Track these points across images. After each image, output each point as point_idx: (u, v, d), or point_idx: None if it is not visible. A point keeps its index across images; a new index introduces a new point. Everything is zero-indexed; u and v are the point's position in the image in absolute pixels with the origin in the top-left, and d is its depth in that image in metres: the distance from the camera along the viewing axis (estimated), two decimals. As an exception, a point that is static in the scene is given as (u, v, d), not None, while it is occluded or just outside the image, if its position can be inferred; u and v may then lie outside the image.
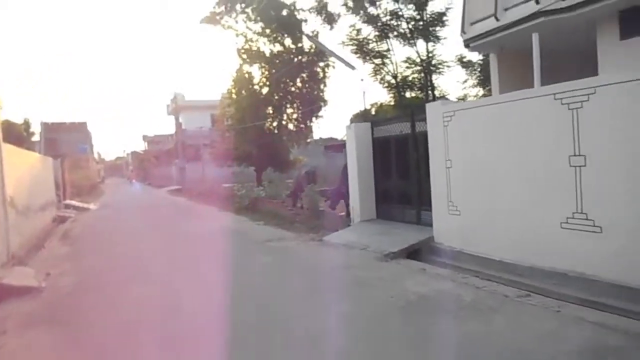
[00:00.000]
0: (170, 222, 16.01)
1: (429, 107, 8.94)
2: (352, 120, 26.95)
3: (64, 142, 39.30)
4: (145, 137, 68.46)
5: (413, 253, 8.77)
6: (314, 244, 10.36)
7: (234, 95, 26.79)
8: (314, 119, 27.66)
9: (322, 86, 26.90)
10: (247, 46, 25.99)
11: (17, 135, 23.89)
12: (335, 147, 31.82)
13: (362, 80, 15.73)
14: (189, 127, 43.01)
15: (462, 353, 4.25)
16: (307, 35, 21.78)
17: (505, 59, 13.47)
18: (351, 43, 24.18)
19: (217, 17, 25.43)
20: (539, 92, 6.79)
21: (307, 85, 26.66)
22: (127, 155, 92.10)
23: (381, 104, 29.06)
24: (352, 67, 17.50)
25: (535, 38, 10.15)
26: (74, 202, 24.40)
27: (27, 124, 29.90)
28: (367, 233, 10.40)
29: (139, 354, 4.61)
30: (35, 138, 35.21)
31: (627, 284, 5.55)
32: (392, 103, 25.29)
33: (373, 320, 5.28)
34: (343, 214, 13.36)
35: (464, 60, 24.18)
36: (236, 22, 25.87)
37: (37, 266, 9.10)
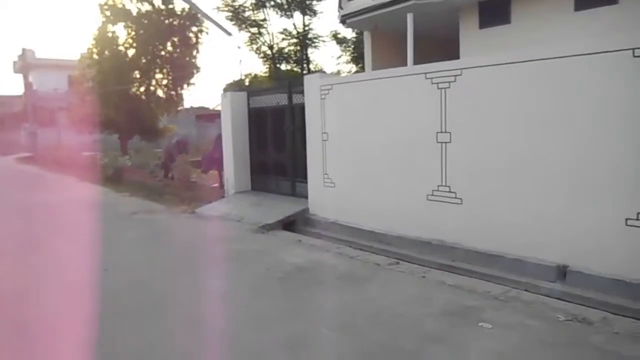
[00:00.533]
0: (20, 194, 14.23)
1: (307, 79, 8.93)
2: (225, 90, 26.26)
3: None
4: (-15, 98, 59.93)
5: (289, 224, 8.82)
6: (186, 216, 9.93)
7: (95, 56, 24.46)
8: (185, 86, 26.41)
9: (194, 52, 25.65)
10: (111, 2, 23.79)
11: None
12: (208, 116, 30.83)
13: (239, 47, 15.34)
14: (42, 88, 38.43)
15: (338, 320, 4.35)
16: None
17: (379, 37, 13.94)
18: (226, 9, 23.36)
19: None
20: (412, 71, 7.10)
21: (178, 50, 25.24)
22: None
23: (255, 75, 28.66)
24: (229, 33, 16.93)
25: (410, 18, 10.59)
26: None
27: None
28: (241, 205, 10.23)
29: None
30: None
31: (481, 250, 6.13)
32: (267, 74, 25.02)
33: (250, 294, 5.18)
34: (217, 185, 13.03)
35: (339, 36, 24.67)
36: (98, -26, 23.50)
37: None
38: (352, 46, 23.51)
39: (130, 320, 4.46)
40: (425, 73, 6.72)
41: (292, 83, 10.06)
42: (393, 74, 7.22)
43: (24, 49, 38.29)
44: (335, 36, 25.37)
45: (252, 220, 8.78)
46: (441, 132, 6.60)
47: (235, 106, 11.09)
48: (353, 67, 23.63)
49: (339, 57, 25.51)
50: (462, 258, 6.35)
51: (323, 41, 23.83)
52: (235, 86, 26.87)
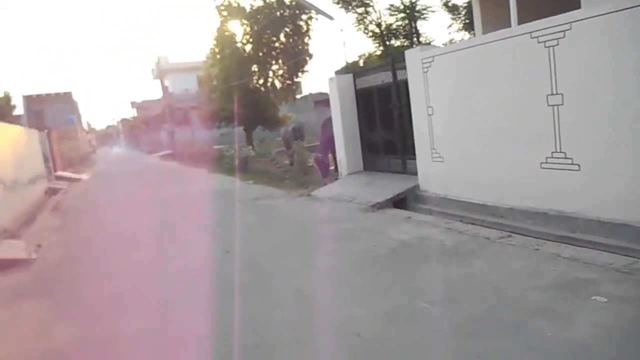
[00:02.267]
0: (160, 187, 15.99)
1: (408, 54, 8.79)
2: (338, 73, 26.61)
3: (49, 114, 38.73)
4: (133, 104, 67.37)
5: (399, 202, 8.83)
6: (302, 199, 10.42)
7: (217, 55, 26.28)
8: (300, 74, 27.26)
9: (306, 39, 26.34)
10: (226, 2, 25.28)
11: (-2, 109, 23.46)
12: (325, 101, 31.49)
13: (341, 30, 15.34)
14: (176, 91, 42.29)
15: (439, 294, 4.35)
16: None
17: (487, 1, 13.14)
18: (332, -8, 23.49)
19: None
20: (515, 32, 6.64)
21: (291, 40, 26.11)
22: (117, 124, 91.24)
23: (369, 55, 28.53)
24: (330, 17, 17.08)
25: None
26: (65, 174, 24.28)
27: (7, 98, 29.21)
28: (354, 185, 10.44)
29: (126, 322, 4.68)
30: (18, 111, 34.61)
31: (605, 219, 5.63)
32: (379, 53, 24.81)
33: (354, 270, 5.37)
34: (332, 168, 13.37)
35: (449, 4, 23.59)
36: (214, -23, 25.06)
37: (28, 239, 9.14)
38: (464, 13, 22.35)
39: (246, 295, 4.88)
40: (530, 32, 6.26)
41: (395, 60, 9.95)
42: (494, 38, 6.84)
43: (158, 57, 42.21)
44: (446, 4, 24.28)
45: (363, 200, 8.95)
46: (552, 94, 6.12)
47: (342, 89, 11.28)
48: (465, 35, 22.51)
49: (450, 26, 24.39)
50: (583, 229, 5.89)
51: (432, 11, 22.97)
52: (349, 68, 27.08)
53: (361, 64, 27.87)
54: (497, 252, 5.40)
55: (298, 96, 34.81)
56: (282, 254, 6.38)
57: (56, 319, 4.85)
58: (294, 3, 24.95)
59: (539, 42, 6.18)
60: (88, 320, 4.79)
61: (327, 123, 12.92)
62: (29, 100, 40.48)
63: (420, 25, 23.57)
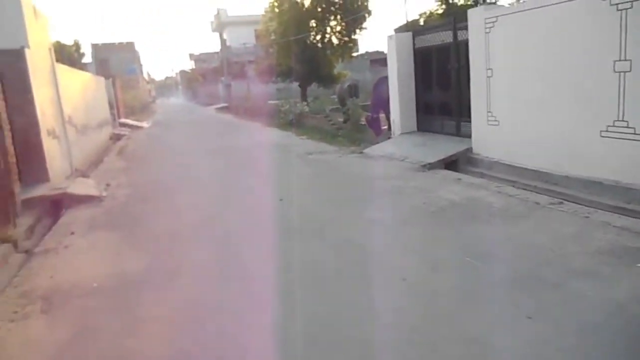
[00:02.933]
0: (216, 137, 16.57)
1: (471, 13, 8.61)
2: (398, 32, 25.99)
3: (114, 62, 40.22)
4: (192, 56, 68.55)
5: (451, 164, 8.87)
6: (355, 156, 10.60)
7: (276, 9, 26.27)
8: (357, 31, 26.88)
9: (367, -5, 25.82)
10: (287, -45, 25.01)
11: (68, 56, 24.58)
12: (382, 60, 30.97)
13: None
14: (234, 44, 42.70)
15: (483, 250, 4.51)
16: None
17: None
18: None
19: None
20: (584, -7, 6.40)
21: (351, -5, 25.65)
22: (176, 75, 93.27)
23: (431, 13, 27.61)
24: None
25: None
26: (128, 121, 25.43)
27: (77, 46, 30.56)
28: (406, 145, 10.51)
29: (189, 252, 5.14)
30: (86, 59, 36.14)
31: (662, 191, 5.53)
32: (440, 12, 23.96)
33: (402, 224, 5.59)
34: (385, 127, 13.41)
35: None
36: None
37: (98, 178, 9.87)
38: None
39: (298, 240, 5.21)
40: (603, -6, 6.02)
41: (456, 19, 9.75)
42: (561, 0, 6.60)
43: (218, 9, 42.54)
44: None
45: (414, 160, 9.05)
46: (619, 60, 5.93)
47: (400, 48, 11.18)
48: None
49: (520, -18, 23.07)
50: (637, 199, 5.81)
51: (502, -32, 21.78)
52: (409, 27, 26.41)
53: (421, 23, 27.10)
54: (545, 217, 5.44)
55: (355, 54, 34.41)
56: (333, 205, 6.65)
57: (126, 249, 5.38)
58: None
59: (611, 4, 5.95)
60: (154, 250, 5.29)
61: (380, 83, 12.95)
62: (96, 48, 42.11)
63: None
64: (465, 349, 2.95)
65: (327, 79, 27.00)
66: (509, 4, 22.02)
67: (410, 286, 3.85)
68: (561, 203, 5.99)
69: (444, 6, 23.33)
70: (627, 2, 5.76)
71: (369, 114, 13.49)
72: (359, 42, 33.26)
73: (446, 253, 4.53)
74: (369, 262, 4.46)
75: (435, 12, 25.72)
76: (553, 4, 6.80)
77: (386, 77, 12.21)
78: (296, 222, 5.87)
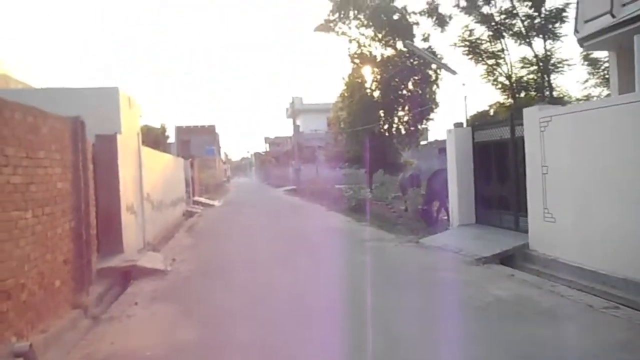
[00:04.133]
0: (282, 219, 17.25)
1: (526, 112, 8.87)
2: (468, 123, 26.46)
3: (194, 143, 43.40)
4: (266, 139, 72.58)
5: (506, 259, 8.76)
6: (410, 245, 10.71)
7: (346, 99, 27.78)
8: (424, 121, 27.68)
9: (433, 88, 26.82)
10: (359, 51, 26.79)
11: (154, 138, 27.06)
12: (449, 149, 31.36)
13: (464, 84, 15.53)
14: (306, 130, 45.04)
15: (516, 350, 4.46)
16: (406, 43, 21.85)
17: (626, 56, 12.56)
18: (463, 44, 23.81)
19: (331, 25, 26.54)
20: (636, 98, 6.53)
21: (418, 88, 26.76)
22: (250, 156, 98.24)
23: (501, 104, 28.07)
24: (454, 72, 17.36)
25: (638, 39, 9.40)
26: (201, 199, 27.03)
27: (163, 128, 33.67)
28: (463, 237, 10.50)
29: (235, 327, 5.46)
30: (171, 140, 39.40)
31: None
32: (507, 104, 24.36)
33: (443, 317, 5.62)
34: (445, 218, 13.48)
35: (590, 57, 22.51)
36: (349, 28, 26.84)
37: (166, 253, 10.60)
38: (602, 68, 21.17)
39: (347, 323, 5.39)
40: (651, 100, 6.15)
41: (514, 116, 10.03)
42: (613, 103, 6.80)
43: (293, 98, 45.37)
44: (586, 57, 23.20)
45: (469, 253, 9.03)
46: (673, 164, 5.91)
47: (459, 141, 11.52)
48: (603, 91, 21.24)
49: (586, 81, 23.16)
50: (702, 309, 5.50)
51: (568, 65, 22.09)
52: (477, 118, 26.90)
53: (491, 113, 27.48)
54: (595, 321, 5.29)
55: (423, 142, 35.06)
56: (381, 294, 6.77)
57: (182, 321, 5.78)
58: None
59: (660, 110, 6.05)
60: (208, 324, 5.66)
61: (435, 175, 13.48)
62: (179, 130, 45.81)
63: (555, 78, 22.74)
64: None
65: (393, 166, 27.54)
66: (577, 99, 22.10)
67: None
68: (617, 308, 5.78)
69: (510, 99, 23.73)
70: (677, 108, 5.84)
71: (422, 205, 13.80)
72: (428, 131, 33.98)
73: (480, 350, 4.52)
74: (403, 349, 4.53)
75: (503, 104, 26.13)
76: (603, 107, 6.97)
77: (441, 170, 12.57)
78: (343, 307, 6.06)
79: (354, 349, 4.68)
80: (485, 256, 8.64)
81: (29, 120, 5.33)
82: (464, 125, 13.13)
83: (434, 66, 26.02)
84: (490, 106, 29.06)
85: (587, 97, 21.62)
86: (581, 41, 12.52)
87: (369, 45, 26.52)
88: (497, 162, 10.62)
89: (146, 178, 11.74)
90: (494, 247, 9.04)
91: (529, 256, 8.61)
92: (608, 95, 20.66)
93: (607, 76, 21.34)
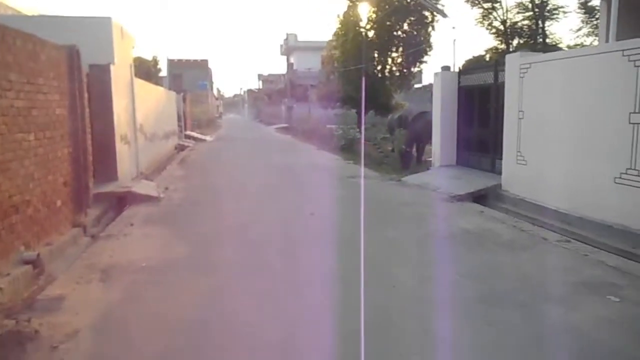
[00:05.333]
0: (271, 156, 17.67)
1: (508, 57, 9.18)
2: (463, 67, 26.40)
3: (186, 77, 42.96)
4: (260, 76, 71.72)
5: (480, 198, 9.35)
6: (392, 183, 11.26)
7: (340, 38, 27.49)
8: (418, 64, 27.63)
9: (429, 30, 26.56)
10: (356, -14, 26.26)
11: (146, 70, 26.87)
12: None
13: (453, 28, 15.51)
14: (300, 68, 44.56)
15: (472, 271, 5.08)
16: None
17: (623, 5, 12.65)
18: (461, -14, 23.44)
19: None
20: (608, 48, 6.87)
21: (413, 30, 26.50)
22: (243, 93, 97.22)
23: (497, 50, 27.99)
24: (445, 15, 17.32)
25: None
26: (193, 134, 27.26)
27: (155, 61, 33.29)
28: (442, 176, 11.04)
29: (227, 248, 6.03)
30: (162, 74, 39.00)
31: (664, 238, 5.85)
32: (501, 50, 24.35)
33: (411, 244, 6.22)
34: (430, 159, 14.01)
35: (587, 4, 22.37)
36: (346, -38, 26.14)
37: (159, 182, 11.08)
38: (597, 17, 21.07)
39: (317, 251, 5.98)
40: (623, 50, 6.49)
41: (498, 62, 10.31)
42: (587, 52, 7.13)
43: (287, 34, 44.62)
44: (584, 4, 23.03)
45: (446, 191, 9.60)
46: (634, 112, 6.34)
47: (445, 85, 11.83)
48: (595, 40, 21.27)
49: (579, 29, 23.07)
50: (642, 245, 6.13)
51: (564, 12, 21.96)
52: (473, 62, 26.89)
53: (487, 59, 27.43)
54: (546, 251, 5.91)
55: (416, 85, 35.04)
56: (357, 222, 7.31)
57: (173, 241, 6.34)
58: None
59: (629, 61, 6.40)
60: (196, 244, 6.22)
61: (417, 118, 13.89)
62: (171, 64, 45.16)
63: (549, 25, 22.66)
64: (431, 343, 3.58)
65: (384, 108, 27.73)
66: (567, 47, 22.15)
67: (399, 292, 4.51)
68: (568, 241, 6.40)
69: (503, 46, 23.72)
70: (643, 59, 6.20)
71: (403, 146, 14.31)
72: (422, 74, 33.95)
73: (441, 270, 5.14)
74: (368, 270, 5.07)
75: (498, 49, 26.11)
76: (579, 56, 7.31)
77: (423, 113, 12.99)
78: (319, 234, 6.64)
79: (329, 268, 5.26)
80: (459, 194, 9.22)
81: (29, 47, 5.61)
82: (452, 69, 13.36)
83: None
84: (487, 51, 29.01)
85: (578, 46, 21.69)
86: (573, -12, 12.56)
87: (366, -18, 25.95)
88: (480, 107, 11.00)
89: (139, 109, 11.99)
90: (469, 187, 9.62)
91: (501, 196, 9.19)
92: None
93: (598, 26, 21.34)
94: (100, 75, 9.15)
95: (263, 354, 3.45)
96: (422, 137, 13.69)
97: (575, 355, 3.41)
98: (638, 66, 6.27)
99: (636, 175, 6.35)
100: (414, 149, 14.49)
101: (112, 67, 9.38)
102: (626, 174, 6.50)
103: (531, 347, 3.52)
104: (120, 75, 10.09)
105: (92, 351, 3.46)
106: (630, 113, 6.39)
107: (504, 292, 4.52)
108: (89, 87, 8.51)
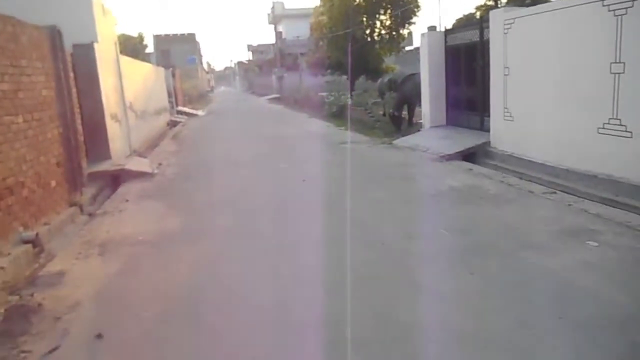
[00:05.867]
0: (264, 126, 17.72)
1: (492, 14, 9.16)
2: (453, 26, 26.13)
3: (174, 53, 42.47)
4: (249, 47, 70.69)
5: (469, 156, 9.47)
6: (383, 146, 11.37)
7: (327, 2, 27.13)
8: (406, 25, 27.36)
9: (417, -10, 26.20)
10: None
11: (132, 47, 26.57)
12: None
13: None
14: (289, 37, 43.94)
15: (458, 226, 5.26)
16: None
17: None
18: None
19: None
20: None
21: (401, -10, 26.13)
22: (234, 65, 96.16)
23: (487, 7, 27.58)
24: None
25: None
26: (185, 109, 27.15)
27: (141, 37, 32.87)
28: (432, 137, 11.15)
29: (219, 219, 6.17)
30: (149, 50, 38.52)
31: (646, 184, 6.01)
32: (491, 7, 24.02)
33: (399, 203, 6.39)
34: (421, 121, 14.07)
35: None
36: None
37: (152, 158, 11.17)
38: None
39: (307, 214, 6.14)
40: (602, 0, 6.51)
41: (483, 19, 10.27)
42: (569, 4, 7.10)
43: (274, 2, 43.85)
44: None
45: (435, 151, 9.72)
46: (615, 62, 6.41)
47: (432, 45, 11.79)
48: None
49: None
50: (626, 193, 6.28)
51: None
52: (464, 21, 26.60)
53: (477, 16, 27.09)
54: (531, 203, 6.08)
55: (407, 48, 34.70)
56: (347, 185, 7.47)
57: (168, 214, 6.48)
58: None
59: (609, 10, 6.43)
60: (190, 216, 6.37)
61: (406, 80, 13.88)
62: (158, 39, 44.54)
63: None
64: (417, 292, 3.77)
65: (375, 72, 27.57)
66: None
67: (387, 248, 4.69)
68: (554, 193, 6.57)
69: (492, 2, 23.43)
70: (622, 9, 6.23)
71: (392, 110, 14.38)
72: (412, 37, 33.58)
73: (426, 226, 5.32)
74: (357, 229, 5.26)
75: (489, 6, 25.74)
76: (561, 8, 7.31)
77: (411, 75, 13.01)
78: (310, 199, 6.80)
79: (320, 230, 5.43)
80: (449, 153, 9.35)
81: (9, 29, 5.61)
82: (438, 28, 13.29)
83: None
84: (477, 8, 28.61)
85: None
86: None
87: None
88: (467, 65, 11.00)
89: (127, 87, 11.97)
90: (458, 146, 9.73)
91: (489, 153, 9.32)
92: None
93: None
94: (85, 55, 9.11)
95: (258, 313, 3.63)
96: (412, 99, 13.73)
97: (555, 298, 3.59)
98: (618, 15, 6.31)
99: (618, 125, 6.47)
100: (405, 112, 14.53)
101: (96, 46, 9.34)
102: (609, 123, 6.61)
103: (512, 292, 3.70)
104: (105, 53, 10.04)
105: (94, 319, 3.63)
106: (611, 63, 6.46)
107: (487, 242, 4.70)
108: (74, 67, 8.51)
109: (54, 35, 7.01)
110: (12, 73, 5.54)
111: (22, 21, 6.01)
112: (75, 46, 8.74)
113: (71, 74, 7.88)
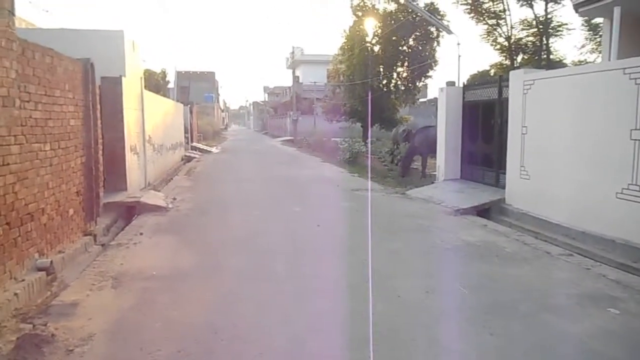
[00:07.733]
0: (277, 168, 17.85)
1: (512, 74, 9.34)
2: (467, 82, 26.61)
3: (193, 89, 43.36)
4: (265, 89, 72.19)
5: (483, 212, 9.45)
6: (396, 196, 11.38)
7: (346, 53, 27.79)
8: (423, 78, 27.85)
9: (434, 45, 26.81)
10: (362, 3, 26.65)
11: (155, 82, 27.24)
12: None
13: (458, 44, 15.59)
14: (305, 81, 44.91)
15: (474, 282, 5.19)
16: None
17: (625, 22, 12.83)
18: (465, 2, 23.75)
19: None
20: (609, 66, 7.03)
21: (419, 45, 26.76)
22: (249, 105, 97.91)
23: (501, 65, 28.16)
24: (450, 32, 17.55)
25: (617, 11, 9.75)
26: (199, 145, 27.52)
27: (163, 73, 33.76)
28: (446, 190, 11.16)
29: (232, 257, 6.15)
30: (170, 85, 39.42)
31: (665, 253, 5.93)
32: (506, 66, 24.53)
33: (414, 256, 6.33)
34: (435, 173, 14.13)
35: (591, 22, 22.53)
36: (353, -21, 26.51)
37: (166, 192, 11.24)
38: (602, 34, 21.25)
39: (323, 257, 6.09)
40: (624, 68, 6.63)
41: (502, 78, 10.48)
42: (589, 70, 7.28)
43: (294, 47, 45.06)
44: (588, 22, 23.19)
45: (449, 204, 9.71)
46: (635, 129, 6.47)
47: (450, 100, 11.99)
48: (598, 57, 21.43)
49: (582, 46, 23.24)
50: (644, 259, 6.21)
51: (567, 29, 22.13)
52: (478, 77, 27.09)
53: (492, 74, 27.62)
54: (549, 264, 6.00)
55: (422, 100, 35.24)
56: (362, 234, 7.44)
57: (182, 249, 6.47)
58: (426, 9, 25.49)
59: (630, 78, 6.55)
60: (204, 252, 6.36)
61: (419, 132, 14.29)
62: (179, 75, 45.59)
63: (554, 42, 22.84)
64: (436, 351, 3.69)
65: (389, 122, 27.94)
66: (572, 63, 22.32)
67: (404, 302, 4.62)
68: (570, 255, 6.50)
69: (508, 61, 23.90)
70: (643, 77, 6.34)
71: (404, 157, 14.70)
72: (427, 89, 34.16)
73: (444, 281, 5.24)
74: (372, 280, 5.19)
75: (503, 65, 26.29)
76: (582, 73, 7.46)
77: (426, 127, 13.27)
78: (324, 245, 6.77)
79: (335, 277, 5.38)
80: (463, 207, 9.33)
81: (47, 60, 5.80)
82: (457, 84, 13.55)
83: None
84: (492, 66, 29.20)
85: (582, 62, 21.84)
86: (576, 6, 12.76)
87: (372, -3, 26.33)
88: (484, 121, 11.15)
89: (148, 121, 12.21)
90: (473, 200, 9.73)
91: (504, 210, 9.29)
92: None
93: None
94: (112, 88, 9.36)
95: (272, 358, 3.56)
96: (424, 150, 13.99)
97: (576, 364, 3.50)
98: (639, 84, 6.42)
99: (637, 191, 6.46)
100: (417, 162, 14.77)
101: (123, 80, 9.60)
102: (628, 189, 6.61)
103: (533, 356, 3.61)
104: (130, 87, 10.31)
105: (106, 354, 3.58)
106: (631, 130, 6.52)
107: (506, 302, 4.62)
108: (100, 99, 8.71)
109: (87, 68, 7.23)
110: (45, 102, 5.69)
111: (60, 53, 6.22)
112: (103, 79, 8.99)
113: (98, 106, 8.07)
